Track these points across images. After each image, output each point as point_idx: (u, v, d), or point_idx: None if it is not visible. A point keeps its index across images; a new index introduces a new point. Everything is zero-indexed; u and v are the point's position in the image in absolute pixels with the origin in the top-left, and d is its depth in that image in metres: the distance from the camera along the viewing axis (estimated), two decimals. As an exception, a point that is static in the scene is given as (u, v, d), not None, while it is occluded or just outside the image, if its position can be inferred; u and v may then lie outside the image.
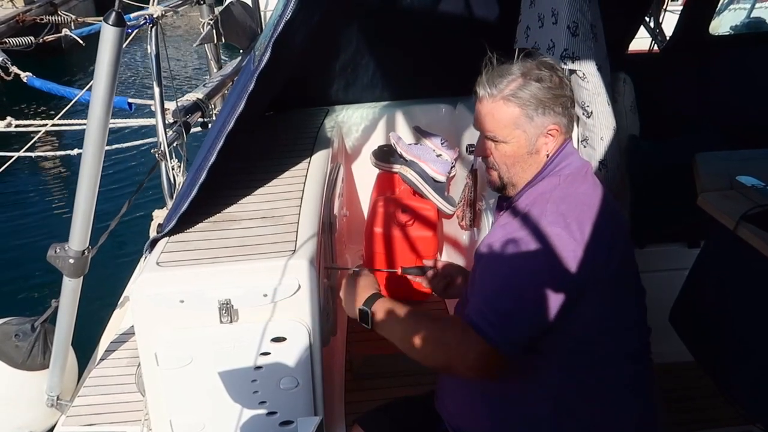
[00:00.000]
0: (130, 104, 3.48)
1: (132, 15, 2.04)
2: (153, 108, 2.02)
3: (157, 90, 2.01)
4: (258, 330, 1.52)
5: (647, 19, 3.22)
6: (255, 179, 1.93)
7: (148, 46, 2.03)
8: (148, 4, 2.16)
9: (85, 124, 1.50)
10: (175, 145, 1.99)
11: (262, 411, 1.60)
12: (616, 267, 1.40)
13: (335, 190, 2.10)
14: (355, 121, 2.90)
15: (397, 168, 2.76)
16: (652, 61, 3.10)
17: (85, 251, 1.73)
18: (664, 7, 3.33)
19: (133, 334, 1.77)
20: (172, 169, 1.94)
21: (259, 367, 1.55)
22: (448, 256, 2.92)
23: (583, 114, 2.05)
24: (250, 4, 3.04)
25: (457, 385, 1.53)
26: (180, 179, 1.96)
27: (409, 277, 1.81)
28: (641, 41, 3.17)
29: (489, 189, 2.38)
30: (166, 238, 1.65)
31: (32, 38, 4.10)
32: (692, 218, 1.82)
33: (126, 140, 4.49)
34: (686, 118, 2.65)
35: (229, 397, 1.58)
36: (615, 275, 1.40)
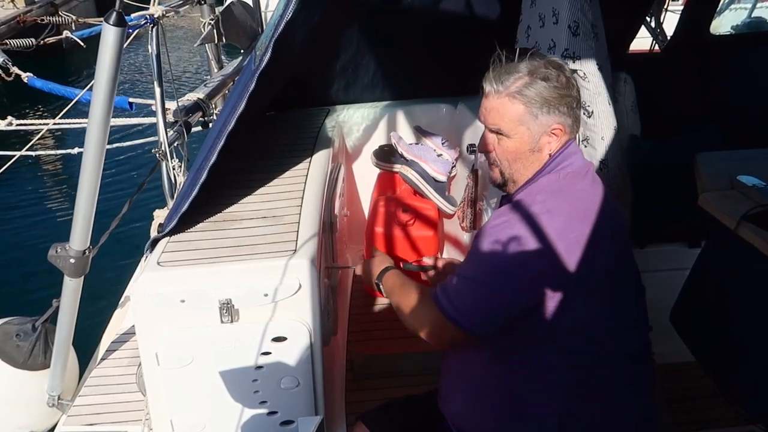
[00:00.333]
0: (130, 104, 3.48)
1: (133, 15, 2.04)
2: (154, 108, 2.02)
3: (158, 90, 2.01)
4: (259, 330, 1.52)
5: (648, 18, 3.22)
6: (256, 179, 1.93)
7: (149, 46, 2.04)
8: (149, 4, 2.16)
9: (85, 124, 1.50)
10: (175, 144, 1.99)
11: (263, 411, 1.60)
12: (617, 267, 1.41)
13: (336, 190, 2.11)
14: (355, 121, 2.90)
15: (397, 168, 2.76)
16: (653, 61, 3.10)
17: (86, 251, 1.73)
18: (665, 6, 3.33)
19: (134, 333, 1.77)
20: (173, 168, 1.94)
21: (259, 367, 1.55)
22: (448, 255, 2.92)
23: (584, 114, 2.05)
24: (251, 4, 3.04)
25: (459, 385, 1.54)
26: (181, 179, 1.96)
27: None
28: (642, 41, 3.17)
29: (490, 189, 2.38)
30: (167, 238, 1.65)
31: (33, 40, 4.11)
32: (693, 218, 1.82)
33: (127, 140, 4.49)
34: (687, 118, 2.64)
35: (230, 396, 1.58)
36: (616, 275, 1.40)
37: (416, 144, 2.82)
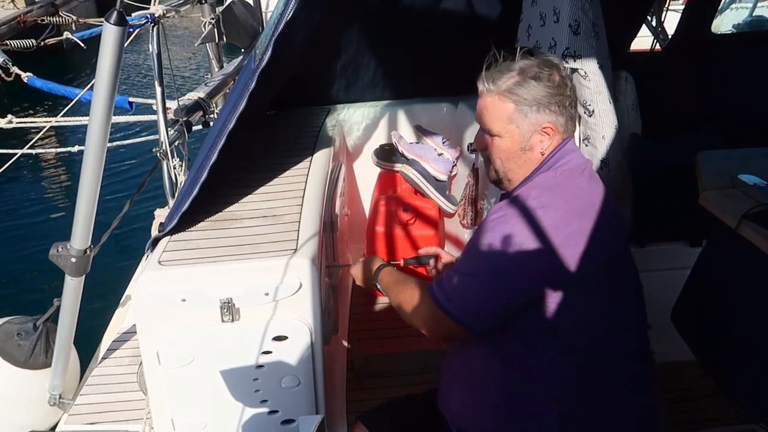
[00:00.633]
0: (131, 103, 3.48)
1: (134, 14, 2.04)
2: (154, 107, 2.02)
3: (158, 89, 2.01)
4: (259, 329, 1.52)
5: (649, 17, 3.22)
6: (256, 178, 1.94)
7: (150, 45, 2.04)
8: (149, 4, 2.16)
9: (86, 121, 1.50)
10: (176, 144, 1.99)
11: (264, 410, 1.60)
12: (617, 266, 1.41)
13: (336, 189, 2.11)
14: (356, 120, 2.90)
15: (398, 167, 2.76)
16: (654, 60, 3.10)
17: (87, 250, 1.73)
18: (666, 5, 3.32)
19: (135, 332, 1.77)
20: (174, 168, 1.94)
21: (260, 366, 1.55)
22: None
23: (585, 113, 2.05)
24: (251, 3, 3.04)
25: (459, 384, 1.54)
26: (181, 178, 1.96)
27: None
28: (643, 40, 3.17)
29: (491, 188, 2.38)
30: (168, 237, 1.65)
31: (33, 41, 4.10)
32: (694, 217, 1.82)
33: (128, 139, 4.49)
34: (687, 117, 2.64)
35: (231, 395, 1.58)
36: (616, 274, 1.41)
37: (417, 143, 2.82)
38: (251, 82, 1.55)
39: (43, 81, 3.90)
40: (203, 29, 2.72)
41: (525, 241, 1.31)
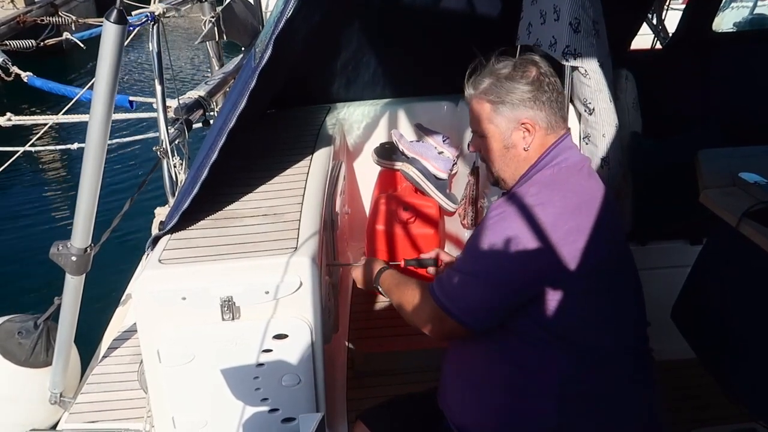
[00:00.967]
0: (131, 102, 3.48)
1: (134, 13, 2.04)
2: (155, 105, 2.02)
3: (159, 87, 2.01)
4: (260, 327, 1.52)
5: (650, 16, 3.21)
6: (257, 177, 1.94)
7: (150, 44, 2.03)
8: (149, 3, 2.16)
9: (85, 119, 1.50)
10: (176, 142, 1.99)
11: (264, 408, 1.61)
12: (617, 264, 1.42)
13: (337, 188, 2.11)
14: (356, 119, 2.90)
15: (398, 165, 2.75)
16: (655, 58, 3.09)
17: (88, 249, 1.73)
18: (667, 4, 3.32)
19: (136, 331, 1.78)
20: (174, 166, 1.94)
21: (261, 365, 1.55)
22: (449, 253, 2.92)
23: (585, 111, 2.05)
24: (251, 1, 3.04)
25: (459, 382, 1.54)
26: (182, 177, 1.96)
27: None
28: (643, 38, 3.16)
29: (491, 187, 2.38)
30: (168, 236, 1.65)
31: (33, 41, 4.10)
32: (694, 215, 1.82)
33: (128, 138, 4.49)
34: (688, 116, 2.64)
35: (231, 394, 1.58)
36: (615, 272, 1.41)
37: (417, 141, 2.82)
38: (251, 81, 1.55)
39: (43, 80, 3.90)
40: (203, 28, 2.72)
41: (523, 238, 1.32)
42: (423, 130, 2.84)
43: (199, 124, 2.40)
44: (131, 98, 3.51)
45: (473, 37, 1.76)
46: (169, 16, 2.21)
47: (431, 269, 1.80)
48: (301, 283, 1.51)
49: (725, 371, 1.75)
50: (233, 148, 1.64)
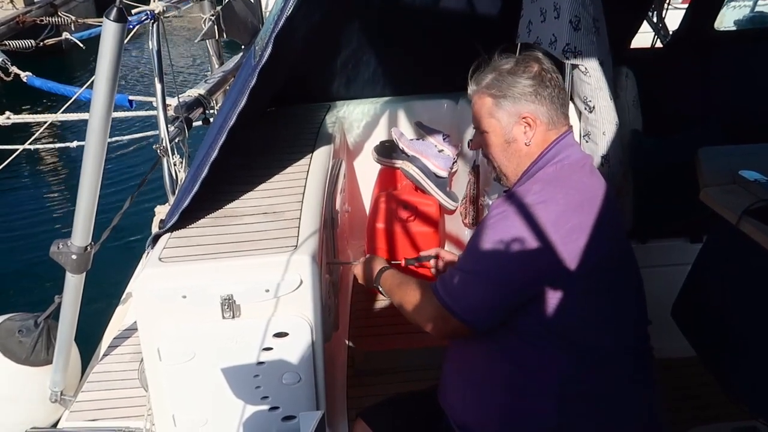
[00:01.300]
0: (130, 101, 3.48)
1: (134, 11, 2.04)
2: (155, 104, 2.02)
3: (158, 86, 2.01)
4: (260, 325, 1.52)
5: (650, 14, 3.21)
6: (257, 175, 1.93)
7: (150, 42, 2.03)
8: (149, 2, 2.16)
9: (85, 117, 1.50)
10: (176, 140, 1.99)
11: (265, 406, 1.61)
12: (618, 262, 1.41)
13: (337, 186, 2.10)
14: (356, 117, 2.90)
15: (398, 163, 2.75)
16: (655, 57, 3.09)
17: (88, 247, 1.73)
18: (668, 2, 3.31)
19: (136, 329, 1.78)
20: (174, 165, 1.94)
21: (261, 363, 1.55)
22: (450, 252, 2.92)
23: (585, 109, 2.05)
24: (251, -1, 3.04)
25: (460, 381, 1.54)
26: (182, 175, 1.96)
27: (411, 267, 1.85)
28: (644, 36, 3.16)
29: (492, 185, 2.38)
30: (169, 234, 1.65)
31: (32, 41, 4.11)
32: (694, 213, 1.82)
33: (128, 136, 4.49)
34: (688, 115, 2.64)
35: (232, 392, 1.58)
36: (616, 271, 1.41)
37: (417, 140, 2.82)
38: (251, 79, 1.55)
39: (43, 80, 3.90)
40: (203, 26, 2.71)
41: (525, 237, 1.32)
42: (423, 129, 2.84)
43: (199, 123, 2.40)
44: (131, 97, 3.52)
45: (474, 35, 1.76)
46: (168, 15, 2.21)
47: (432, 262, 1.80)
48: (301, 282, 1.51)
49: (725, 369, 1.75)
50: (233, 146, 1.64)
